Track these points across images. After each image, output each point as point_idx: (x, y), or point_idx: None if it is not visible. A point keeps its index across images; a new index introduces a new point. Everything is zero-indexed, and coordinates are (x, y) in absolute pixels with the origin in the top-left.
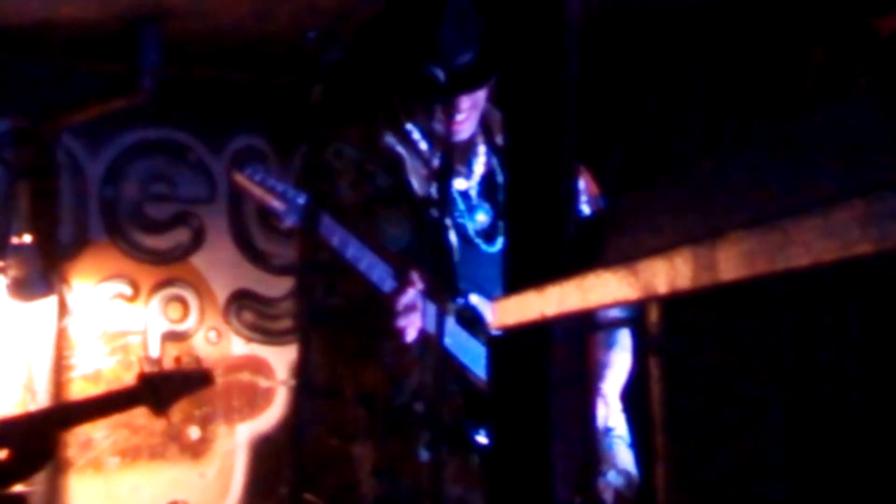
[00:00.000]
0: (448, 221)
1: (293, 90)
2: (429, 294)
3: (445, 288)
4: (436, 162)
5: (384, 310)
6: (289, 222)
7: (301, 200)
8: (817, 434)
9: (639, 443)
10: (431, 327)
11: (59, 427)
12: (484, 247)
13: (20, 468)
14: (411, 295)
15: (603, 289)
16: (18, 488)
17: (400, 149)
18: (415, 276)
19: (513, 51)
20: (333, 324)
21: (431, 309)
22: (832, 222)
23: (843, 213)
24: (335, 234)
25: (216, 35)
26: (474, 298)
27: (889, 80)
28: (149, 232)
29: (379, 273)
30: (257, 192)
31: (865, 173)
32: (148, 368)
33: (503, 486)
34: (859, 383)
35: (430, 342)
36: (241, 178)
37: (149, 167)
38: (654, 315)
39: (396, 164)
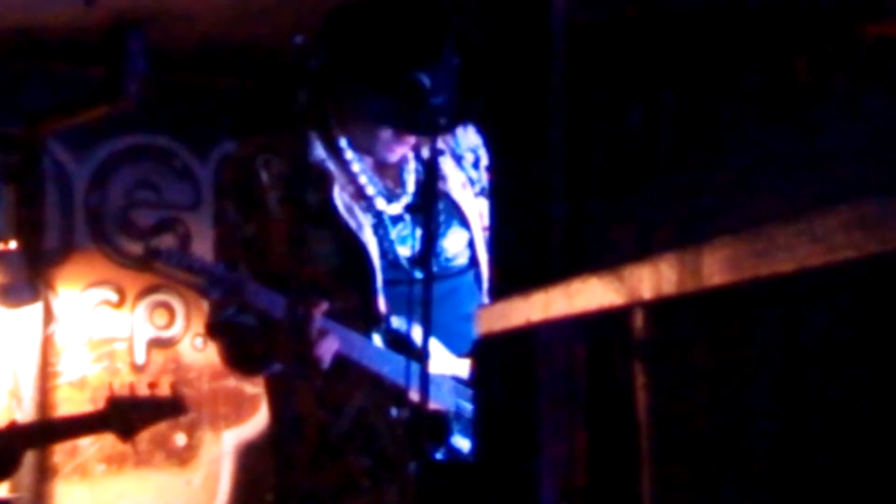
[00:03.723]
0: (375, 241)
1: (278, 95)
2: (348, 318)
3: (369, 312)
4: (362, 180)
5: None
6: (214, 296)
7: (219, 271)
8: (806, 440)
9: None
10: (354, 353)
11: (25, 445)
12: (416, 273)
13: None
14: (317, 321)
15: (589, 294)
16: (4, 495)
17: (329, 164)
18: (315, 303)
19: (500, 62)
20: (245, 341)
21: (353, 335)
22: (816, 228)
23: (828, 218)
24: (232, 276)
25: (202, 41)
26: (395, 321)
27: (869, 88)
28: (135, 238)
29: (272, 303)
30: (178, 275)
31: (849, 178)
32: (120, 392)
33: (489, 494)
34: (849, 386)
35: (360, 368)
36: (159, 265)
37: (134, 173)
38: (639, 321)
39: (324, 181)
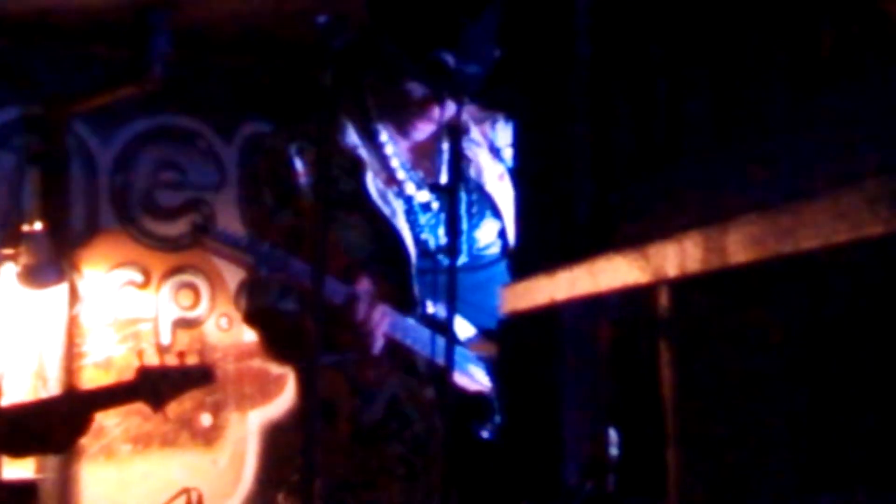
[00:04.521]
0: (407, 227)
1: (302, 76)
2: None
3: (404, 298)
4: (394, 163)
5: (344, 324)
6: (263, 272)
7: (265, 248)
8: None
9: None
10: (401, 335)
11: (59, 416)
12: (443, 262)
13: (21, 449)
14: (364, 304)
15: (613, 273)
16: (30, 476)
17: (362, 151)
18: (367, 285)
19: (524, 40)
20: (287, 328)
21: (398, 316)
22: (841, 204)
23: (853, 194)
24: (292, 265)
25: (226, 22)
26: (431, 307)
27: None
28: (159, 219)
29: (329, 289)
30: (227, 251)
31: (874, 155)
32: (149, 362)
33: (514, 472)
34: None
35: (400, 351)
36: (208, 241)
37: (159, 154)
38: (664, 299)
39: (357, 167)
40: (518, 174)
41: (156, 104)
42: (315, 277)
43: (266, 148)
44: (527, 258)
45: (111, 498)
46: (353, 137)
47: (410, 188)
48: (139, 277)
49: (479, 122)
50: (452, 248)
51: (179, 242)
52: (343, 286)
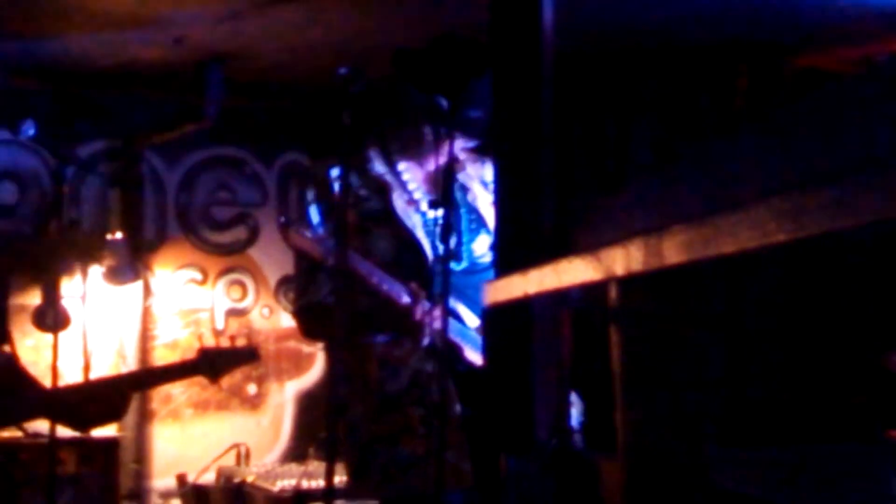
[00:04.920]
0: (426, 239)
1: (327, 115)
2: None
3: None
4: (412, 187)
5: (399, 316)
6: (329, 262)
7: (330, 244)
8: (740, 386)
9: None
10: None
11: (139, 387)
12: (453, 265)
13: (108, 415)
14: (423, 305)
15: (573, 272)
16: (113, 434)
17: (388, 176)
18: (418, 289)
19: (501, 92)
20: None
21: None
22: (752, 218)
23: (761, 210)
24: (363, 265)
25: (267, 73)
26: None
27: (793, 109)
28: (215, 230)
29: (396, 290)
30: (306, 244)
31: (777, 180)
32: (207, 344)
33: (495, 432)
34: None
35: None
36: (293, 234)
37: (214, 178)
38: (613, 293)
39: (384, 190)
40: (498, 196)
41: (211, 138)
42: (339, 274)
43: (312, 175)
44: (505, 261)
45: (177, 451)
46: (379, 167)
47: (425, 207)
48: (199, 276)
49: (472, 162)
50: (445, 249)
51: (231, 248)
52: (405, 289)
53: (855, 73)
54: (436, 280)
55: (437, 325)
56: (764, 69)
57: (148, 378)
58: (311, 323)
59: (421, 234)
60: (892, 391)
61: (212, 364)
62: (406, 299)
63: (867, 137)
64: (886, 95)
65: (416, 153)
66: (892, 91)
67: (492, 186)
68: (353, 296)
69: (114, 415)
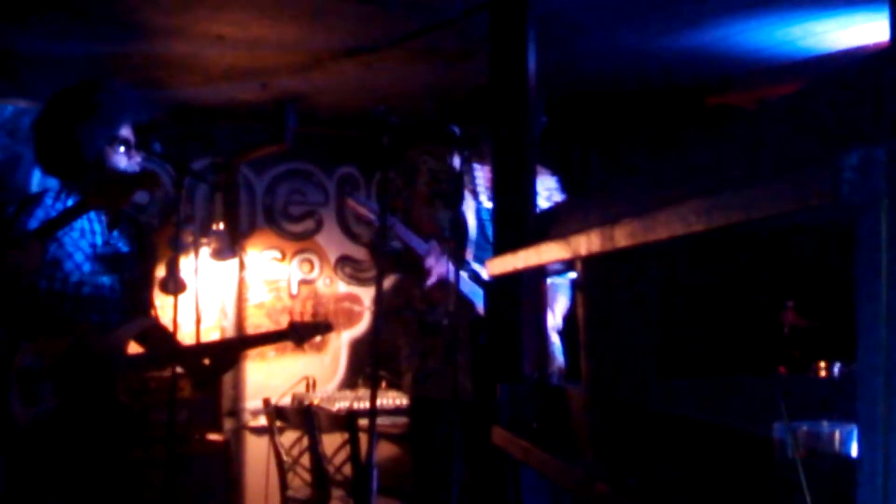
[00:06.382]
0: (475, 219)
1: (371, 140)
2: (451, 258)
3: (462, 257)
4: (478, 181)
5: (417, 262)
6: (375, 224)
7: (377, 208)
8: (675, 332)
9: (571, 345)
10: (452, 277)
11: (242, 348)
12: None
13: (216, 371)
14: (434, 257)
15: (550, 253)
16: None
17: (463, 171)
18: (436, 246)
19: (498, 132)
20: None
21: (453, 268)
22: (679, 213)
23: (686, 207)
24: (398, 226)
25: (328, 109)
26: (476, 266)
27: (710, 134)
28: (291, 222)
29: (418, 243)
30: (361, 210)
31: (697, 184)
32: (297, 319)
33: (494, 367)
34: (698, 301)
35: (452, 287)
36: (351, 202)
37: (290, 185)
38: (579, 267)
39: (457, 178)
40: (496, 199)
41: (288, 156)
42: (379, 236)
43: (405, 157)
44: (501, 244)
45: (263, 381)
46: (457, 162)
47: (483, 199)
48: (279, 255)
49: (482, 167)
50: (458, 242)
51: (302, 235)
52: (424, 243)
53: (750, 111)
54: (470, 249)
55: (442, 270)
56: (689, 105)
57: (254, 341)
58: (373, 255)
59: (470, 216)
60: (781, 339)
61: (298, 333)
62: (422, 251)
63: (755, 157)
64: (770, 127)
65: (484, 159)
66: (774, 125)
67: (543, 195)
68: (387, 244)
69: (228, 367)
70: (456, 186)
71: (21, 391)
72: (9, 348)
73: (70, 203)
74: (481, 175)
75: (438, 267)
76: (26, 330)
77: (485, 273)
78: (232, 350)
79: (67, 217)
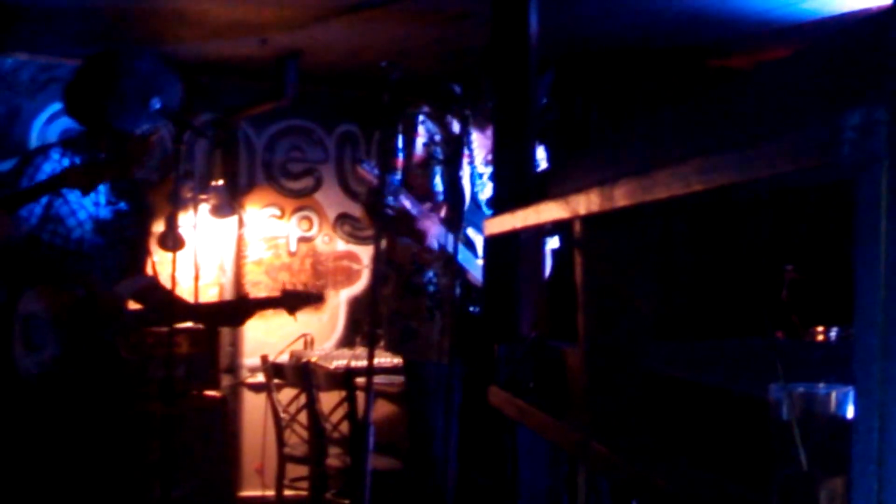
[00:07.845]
0: (467, 184)
1: (372, 96)
2: (445, 224)
3: (455, 222)
4: (473, 145)
5: (411, 223)
6: (375, 184)
7: (378, 172)
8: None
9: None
10: (445, 243)
11: (238, 314)
12: (483, 209)
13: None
14: (428, 219)
15: (549, 212)
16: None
17: (460, 132)
18: (431, 209)
19: (499, 92)
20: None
21: (446, 233)
22: (678, 172)
23: (685, 166)
24: (393, 188)
25: (329, 65)
26: (470, 231)
27: (711, 93)
28: (290, 179)
29: (413, 205)
30: (369, 177)
31: (697, 143)
32: (290, 287)
33: (492, 326)
34: (696, 260)
35: (445, 253)
36: (361, 170)
37: (290, 142)
38: (577, 227)
39: (456, 144)
40: (496, 159)
41: (288, 113)
42: (376, 196)
43: (406, 113)
44: (500, 204)
45: (261, 338)
46: (456, 128)
47: (478, 163)
48: (278, 212)
49: (481, 130)
50: (457, 205)
51: (301, 192)
52: (419, 206)
53: (747, 72)
54: (470, 217)
55: (437, 230)
56: (690, 67)
57: (251, 306)
58: (369, 214)
59: (465, 181)
60: (779, 304)
61: (291, 303)
62: (415, 213)
63: (756, 117)
64: (771, 87)
65: (481, 124)
66: (775, 85)
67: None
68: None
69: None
70: (454, 150)
71: (24, 336)
72: (11, 294)
73: (77, 161)
74: (476, 139)
75: (433, 229)
76: (27, 278)
77: (478, 238)
78: (228, 315)
79: (40, 190)
